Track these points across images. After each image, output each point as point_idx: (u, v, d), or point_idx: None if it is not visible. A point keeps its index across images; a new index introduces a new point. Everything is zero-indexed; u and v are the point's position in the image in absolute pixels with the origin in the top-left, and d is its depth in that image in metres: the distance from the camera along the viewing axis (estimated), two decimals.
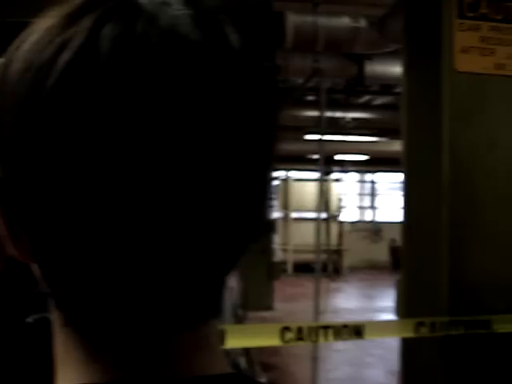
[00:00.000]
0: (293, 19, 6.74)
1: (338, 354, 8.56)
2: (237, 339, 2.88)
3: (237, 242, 0.43)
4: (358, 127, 13.43)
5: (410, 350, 3.29)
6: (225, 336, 2.69)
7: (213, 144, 0.39)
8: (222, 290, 0.44)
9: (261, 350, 6.83)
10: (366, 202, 19.34)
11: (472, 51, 2.89)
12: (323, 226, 10.41)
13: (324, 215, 10.51)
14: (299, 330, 2.75)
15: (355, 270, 16.18)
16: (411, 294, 3.21)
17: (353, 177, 18.06)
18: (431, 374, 3.02)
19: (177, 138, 0.38)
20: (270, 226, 11.43)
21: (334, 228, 12.49)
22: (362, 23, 7.16)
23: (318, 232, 5.32)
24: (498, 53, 2.91)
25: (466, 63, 2.89)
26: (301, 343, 2.81)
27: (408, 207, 3.23)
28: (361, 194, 19.49)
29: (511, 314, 2.90)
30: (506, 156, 2.88)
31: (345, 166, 14.07)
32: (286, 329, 2.75)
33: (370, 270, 15.95)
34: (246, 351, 6.16)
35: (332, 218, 12.96)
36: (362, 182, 19.63)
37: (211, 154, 0.39)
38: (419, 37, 3.20)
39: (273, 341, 2.81)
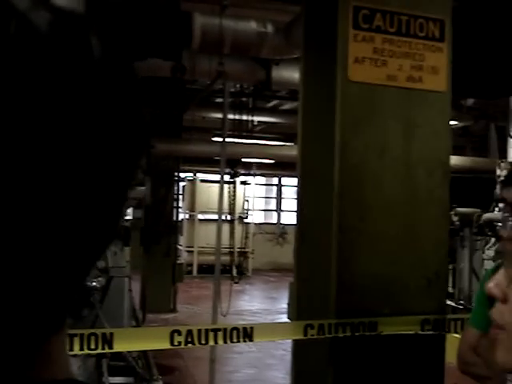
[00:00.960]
0: (200, 20, 6.72)
1: (241, 356, 8.61)
2: (124, 343, 2.84)
3: (80, 254, 0.43)
4: (266, 131, 13.59)
5: (301, 352, 3.35)
6: (112, 340, 2.64)
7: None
8: (67, 299, 0.43)
9: (162, 352, 6.77)
10: (272, 204, 19.61)
11: (365, 62, 2.98)
12: (229, 227, 10.43)
13: (229, 217, 10.53)
14: (189, 332, 2.74)
15: (260, 271, 16.34)
16: (302, 296, 3.26)
17: (259, 180, 18.26)
18: (321, 375, 3.09)
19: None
20: (175, 227, 11.34)
21: (240, 230, 12.55)
22: (269, 28, 7.23)
23: (218, 234, 5.32)
24: (390, 64, 3.01)
25: (359, 73, 2.97)
26: (190, 346, 2.80)
27: (301, 211, 3.29)
28: (267, 197, 19.74)
29: (397, 316, 3.00)
30: (393, 164, 2.98)
31: (251, 169, 14.18)
32: (176, 332, 2.74)
33: (274, 271, 16.15)
34: (144, 354, 6.08)
35: (238, 220, 13.02)
36: (268, 185, 19.89)
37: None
38: (316, 45, 3.27)
39: (162, 344, 2.79)
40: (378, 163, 2.95)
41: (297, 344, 3.36)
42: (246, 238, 13.96)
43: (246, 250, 14.97)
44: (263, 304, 12.49)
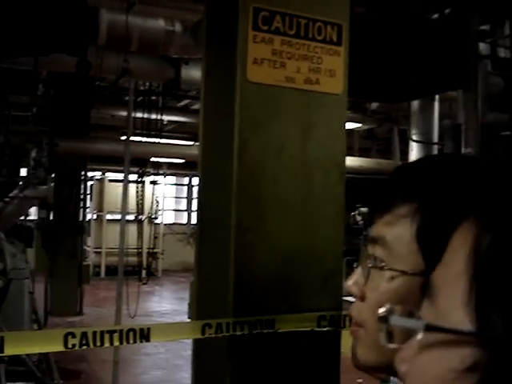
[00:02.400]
0: (107, 16, 6.59)
1: (149, 357, 8.52)
2: (17, 346, 2.75)
3: None
4: (177, 130, 13.49)
5: (201, 351, 3.35)
6: (3, 343, 2.55)
7: None
8: None
9: (66, 356, 6.59)
10: (183, 205, 19.49)
11: (264, 63, 3.01)
12: (138, 228, 10.29)
13: (139, 217, 10.39)
14: (83, 335, 2.68)
15: (170, 272, 16.22)
16: (203, 296, 3.27)
17: (170, 180, 18.11)
18: (220, 373, 3.10)
19: None
20: (82, 227, 11.07)
21: (150, 230, 12.42)
22: (178, 27, 7.19)
23: (122, 234, 5.24)
24: (288, 66, 3.06)
25: (258, 74, 3.00)
26: (85, 348, 2.74)
27: (201, 211, 3.29)
28: (177, 197, 19.61)
29: (294, 313, 3.06)
30: (290, 164, 3.03)
31: (161, 169, 14.05)
32: (70, 334, 2.67)
33: (185, 272, 16.08)
34: (46, 358, 5.90)
35: (147, 220, 12.87)
36: (179, 185, 19.76)
37: None
38: (217, 45, 3.28)
39: (56, 347, 2.71)
40: (276, 163, 3.00)
41: (197, 343, 3.36)
42: (156, 238, 13.82)
43: (156, 250, 14.82)
44: (173, 305, 12.41)
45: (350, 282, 0.90)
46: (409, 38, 6.14)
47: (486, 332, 0.40)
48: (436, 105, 8.01)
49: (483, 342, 0.40)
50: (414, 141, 7.75)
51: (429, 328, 0.45)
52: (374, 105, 10.03)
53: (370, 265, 0.87)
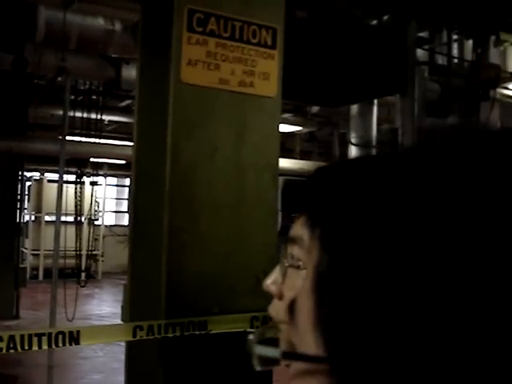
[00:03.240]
0: (45, 13, 6.47)
1: (87, 361, 8.38)
2: None
3: None
4: (118, 131, 13.33)
5: (134, 353, 3.32)
6: None
7: None
8: None
9: (1, 361, 6.42)
10: (124, 206, 19.25)
11: (198, 65, 3.02)
12: (76, 229, 10.11)
13: (78, 219, 10.20)
14: (11, 338, 2.62)
15: (111, 274, 15.98)
16: (136, 298, 3.24)
17: (111, 181, 17.86)
18: (152, 375, 3.08)
19: None
20: (19, 229, 10.81)
21: (90, 232, 12.21)
22: (118, 26, 7.11)
23: (56, 236, 5.14)
24: (222, 68, 3.07)
25: (192, 76, 3.00)
26: (12, 352, 2.68)
27: (134, 212, 3.26)
28: (118, 199, 19.35)
29: (226, 314, 3.07)
30: (224, 166, 3.04)
31: (102, 170, 13.85)
32: None
33: (126, 274, 15.86)
34: None
35: (87, 221, 12.65)
36: (120, 186, 19.52)
37: None
38: (152, 46, 3.26)
39: None
40: (210, 165, 3.00)
41: (130, 346, 3.33)
42: (96, 240, 13.60)
43: (96, 252, 14.58)
44: (112, 308, 12.23)
45: (268, 281, 0.91)
46: (348, 43, 6.25)
47: (333, 359, 0.37)
48: (375, 109, 8.16)
49: (332, 370, 0.37)
50: (353, 144, 7.87)
51: (285, 356, 0.42)
52: (315, 108, 10.15)
53: (287, 264, 0.88)
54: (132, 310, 3.25)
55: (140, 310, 3.18)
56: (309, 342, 0.40)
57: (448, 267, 0.33)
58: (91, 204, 11.01)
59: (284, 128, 10.14)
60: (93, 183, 11.35)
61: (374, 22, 7.85)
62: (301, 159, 10.69)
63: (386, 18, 7.77)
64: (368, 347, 0.34)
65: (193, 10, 3.04)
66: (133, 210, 3.31)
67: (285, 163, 9.07)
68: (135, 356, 3.29)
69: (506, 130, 0.40)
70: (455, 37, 10.81)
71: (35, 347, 2.70)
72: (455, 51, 10.96)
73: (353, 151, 8.17)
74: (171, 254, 2.93)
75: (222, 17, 3.11)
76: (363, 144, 7.99)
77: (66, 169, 5.68)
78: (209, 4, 3.09)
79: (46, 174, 15.71)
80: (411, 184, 0.37)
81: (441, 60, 10.53)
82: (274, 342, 0.45)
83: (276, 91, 3.20)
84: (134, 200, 3.29)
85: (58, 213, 5.17)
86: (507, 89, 10.97)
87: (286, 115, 10.70)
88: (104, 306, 12.66)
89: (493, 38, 10.18)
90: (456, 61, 10.03)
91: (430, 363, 0.32)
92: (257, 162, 3.10)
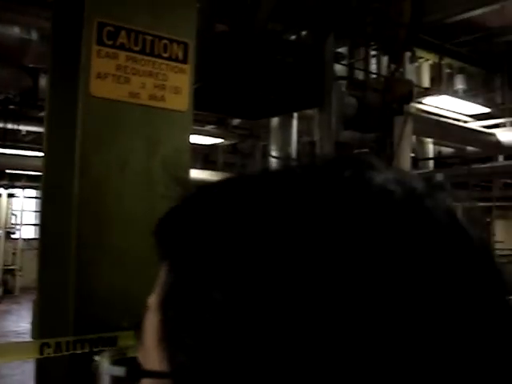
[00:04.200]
0: None
1: (3, 379, 8.11)
2: None
3: None
4: (36, 142, 12.98)
5: (43, 371, 3.25)
6: None
7: None
8: None
9: None
10: None
11: (108, 78, 3.00)
12: None
13: None
14: None
15: (30, 290, 15.49)
16: (45, 314, 3.17)
17: (29, 193, 17.36)
18: None
19: None
20: None
21: (7, 246, 11.82)
22: (34, 35, 6.98)
23: None
24: (133, 82, 3.07)
25: (101, 89, 2.99)
26: None
27: (43, 226, 3.20)
28: (38, 211, 18.84)
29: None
30: (134, 180, 3.03)
31: (19, 181, 13.45)
32: None
33: None
34: None
35: (4, 235, 12.24)
36: (40, 198, 19.00)
37: None
38: (62, 57, 3.23)
39: None
40: (120, 179, 2.99)
41: (39, 363, 3.25)
42: (14, 254, 13.17)
43: (14, 267, 14.11)
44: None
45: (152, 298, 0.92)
46: (267, 57, 6.35)
47: (176, 373, 0.38)
48: (294, 122, 8.31)
49: None
50: (273, 156, 7.98)
51: (129, 373, 0.42)
52: (237, 121, 10.23)
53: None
54: (41, 326, 3.18)
55: (49, 326, 3.12)
56: (154, 358, 0.40)
57: (274, 283, 0.35)
58: (7, 217, 10.66)
59: (206, 140, 10.17)
60: (10, 195, 11.00)
61: (293, 37, 8.02)
62: (223, 171, 10.74)
63: (304, 33, 7.94)
64: (208, 360, 0.36)
65: (103, 23, 3.03)
66: (41, 223, 3.24)
67: (206, 175, 9.07)
68: (45, 374, 3.22)
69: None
70: (373, 52, 11.17)
71: None
72: (373, 67, 11.32)
73: (273, 164, 8.27)
74: (80, 269, 2.89)
75: (133, 30, 3.11)
76: (283, 156, 8.10)
77: None
78: (119, 17, 3.09)
79: None
80: (247, 208, 0.39)
81: (361, 75, 10.84)
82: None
83: (187, 105, 3.23)
84: (42, 213, 3.23)
85: None
86: (422, 103, 11.40)
87: (208, 127, 10.74)
88: (22, 322, 12.25)
89: (409, 54, 10.57)
90: (374, 76, 10.35)
91: (264, 376, 0.34)
92: (167, 174, 3.10)
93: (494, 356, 0.36)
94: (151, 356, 0.41)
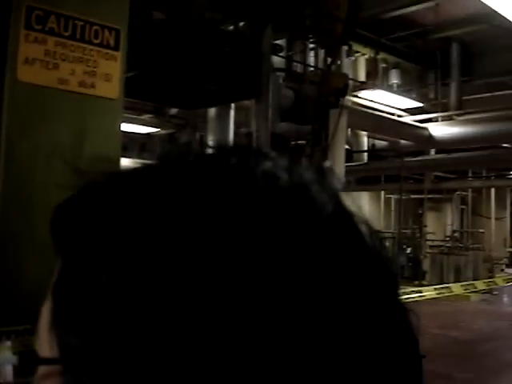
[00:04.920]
0: None
1: None
2: None
3: None
4: None
5: None
6: None
7: None
8: None
9: None
10: None
11: (36, 63, 2.93)
12: None
13: None
14: None
15: None
16: None
17: None
18: None
19: None
20: None
21: None
22: None
23: None
24: (62, 68, 3.00)
25: (29, 74, 2.91)
26: None
27: None
28: None
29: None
30: (62, 169, 2.97)
31: None
32: None
33: None
34: None
35: None
36: None
37: None
38: None
39: None
40: (47, 167, 2.92)
41: None
42: None
43: None
44: None
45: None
46: (205, 46, 6.32)
47: (66, 358, 0.38)
48: (232, 113, 8.31)
49: (66, 369, 0.38)
50: (210, 147, 7.97)
51: (21, 361, 0.43)
52: (174, 110, 10.16)
53: None
54: None
55: None
56: (46, 344, 0.40)
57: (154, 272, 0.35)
58: None
59: (142, 129, 10.06)
60: None
61: (231, 27, 8.01)
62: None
63: (242, 24, 7.95)
64: (95, 342, 0.36)
65: (32, 7, 2.96)
66: None
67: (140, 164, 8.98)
68: None
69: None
70: (311, 46, 11.28)
71: None
72: (311, 59, 11.44)
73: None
74: (4, 259, 2.82)
75: (63, 15, 3.04)
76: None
77: None
78: (49, 2, 3.01)
79: None
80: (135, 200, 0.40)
81: (299, 68, 10.93)
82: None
83: (118, 93, 3.18)
84: None
85: None
86: (357, 97, 11.60)
87: (145, 116, 10.63)
88: None
89: (345, 48, 10.72)
90: (312, 69, 10.46)
91: (146, 357, 0.34)
92: (97, 163, 3.05)
93: (367, 353, 0.35)
94: (44, 343, 0.41)
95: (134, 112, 10.20)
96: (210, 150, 0.43)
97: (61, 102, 3.01)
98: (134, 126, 9.90)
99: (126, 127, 9.47)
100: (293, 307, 0.34)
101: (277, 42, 9.58)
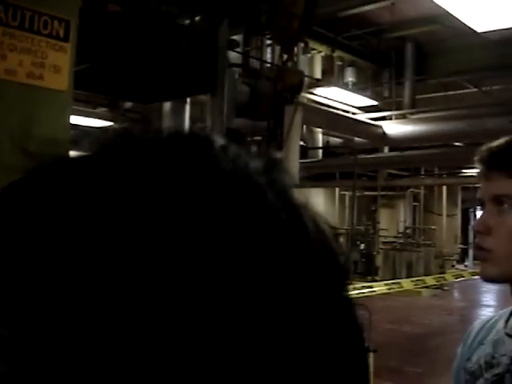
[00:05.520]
0: None
1: None
2: None
3: None
4: None
5: None
6: None
7: None
8: None
9: None
10: None
11: None
12: None
13: None
14: None
15: None
16: None
17: None
18: None
19: None
20: None
21: None
22: None
23: None
24: (9, 58, 2.93)
25: None
26: None
27: None
28: None
29: None
30: (7, 161, 2.91)
31: None
32: None
33: None
34: None
35: None
36: None
37: None
38: None
39: None
40: None
41: None
42: None
43: None
44: None
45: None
46: (160, 40, 6.28)
47: None
48: (187, 107, 8.28)
49: None
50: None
51: None
52: (130, 104, 10.06)
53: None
54: None
55: None
56: None
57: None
58: None
59: (96, 123, 9.93)
60: None
61: (188, 21, 7.96)
62: None
63: (198, 18, 7.91)
64: (31, 331, 0.34)
65: None
66: None
67: None
68: None
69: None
70: (268, 42, 11.31)
71: None
72: (269, 56, 11.46)
73: None
74: None
75: (11, 4, 2.96)
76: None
77: None
78: None
79: None
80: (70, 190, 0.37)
81: (256, 64, 10.95)
82: None
83: (67, 85, 3.12)
84: None
85: None
86: (313, 94, 11.69)
87: (100, 109, 10.49)
88: None
89: (302, 45, 10.79)
90: (269, 65, 10.49)
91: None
92: (46, 147, 3.00)
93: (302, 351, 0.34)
94: None
95: (88, 105, 10.06)
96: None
97: (7, 94, 2.93)
98: (88, 119, 9.76)
99: (79, 120, 9.32)
100: (228, 302, 0.32)
101: (233, 37, 9.57)
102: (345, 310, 0.38)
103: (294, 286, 0.34)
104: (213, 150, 0.37)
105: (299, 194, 0.39)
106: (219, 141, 0.38)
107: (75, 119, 8.98)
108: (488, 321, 1.43)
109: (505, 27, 6.27)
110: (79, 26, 3.26)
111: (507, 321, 1.34)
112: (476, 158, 1.31)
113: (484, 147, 1.31)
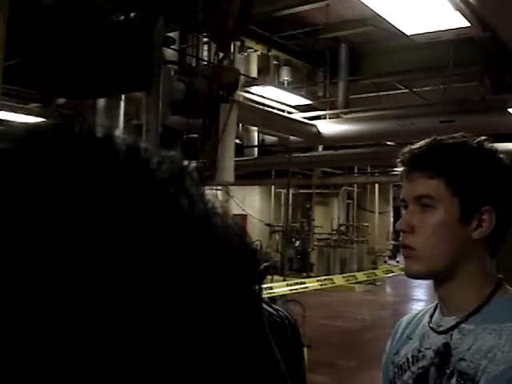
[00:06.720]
0: None
1: None
2: None
3: None
4: None
5: None
6: None
7: None
8: None
9: None
10: None
11: None
12: None
13: None
14: None
15: None
16: None
17: None
18: None
19: None
20: None
21: None
22: None
23: None
24: None
25: None
26: None
27: None
28: None
29: None
30: None
31: None
32: None
33: None
34: None
35: None
36: None
37: None
38: None
39: None
40: None
41: None
42: None
43: None
44: None
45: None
46: (94, 36, 6.19)
47: None
48: (122, 104, 8.17)
49: None
50: None
51: None
52: (63, 100, 9.85)
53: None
54: None
55: None
56: None
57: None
58: None
59: (28, 119, 9.69)
60: None
61: (122, 17, 7.86)
62: None
63: (133, 14, 7.82)
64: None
65: None
66: None
67: None
68: None
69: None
70: (205, 40, 11.29)
71: None
72: (205, 53, 11.44)
73: None
74: None
75: None
76: None
77: None
78: None
79: None
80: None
81: (192, 61, 10.91)
82: None
83: None
84: None
85: None
86: (249, 92, 11.75)
87: (32, 105, 10.24)
88: None
89: (238, 44, 10.82)
90: (205, 63, 10.48)
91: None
92: None
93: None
94: None
95: (20, 101, 9.80)
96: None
97: None
98: (19, 115, 9.52)
99: (9, 116, 9.08)
100: (122, 301, 0.33)
101: (169, 34, 9.51)
102: (248, 305, 0.38)
103: (192, 282, 0.34)
104: (119, 152, 0.37)
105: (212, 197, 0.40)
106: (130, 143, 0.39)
107: (5, 115, 8.74)
108: (415, 316, 1.49)
109: (431, 30, 6.48)
110: (10, 19, 3.20)
111: (432, 316, 1.41)
112: (398, 160, 1.37)
113: (406, 149, 1.37)
